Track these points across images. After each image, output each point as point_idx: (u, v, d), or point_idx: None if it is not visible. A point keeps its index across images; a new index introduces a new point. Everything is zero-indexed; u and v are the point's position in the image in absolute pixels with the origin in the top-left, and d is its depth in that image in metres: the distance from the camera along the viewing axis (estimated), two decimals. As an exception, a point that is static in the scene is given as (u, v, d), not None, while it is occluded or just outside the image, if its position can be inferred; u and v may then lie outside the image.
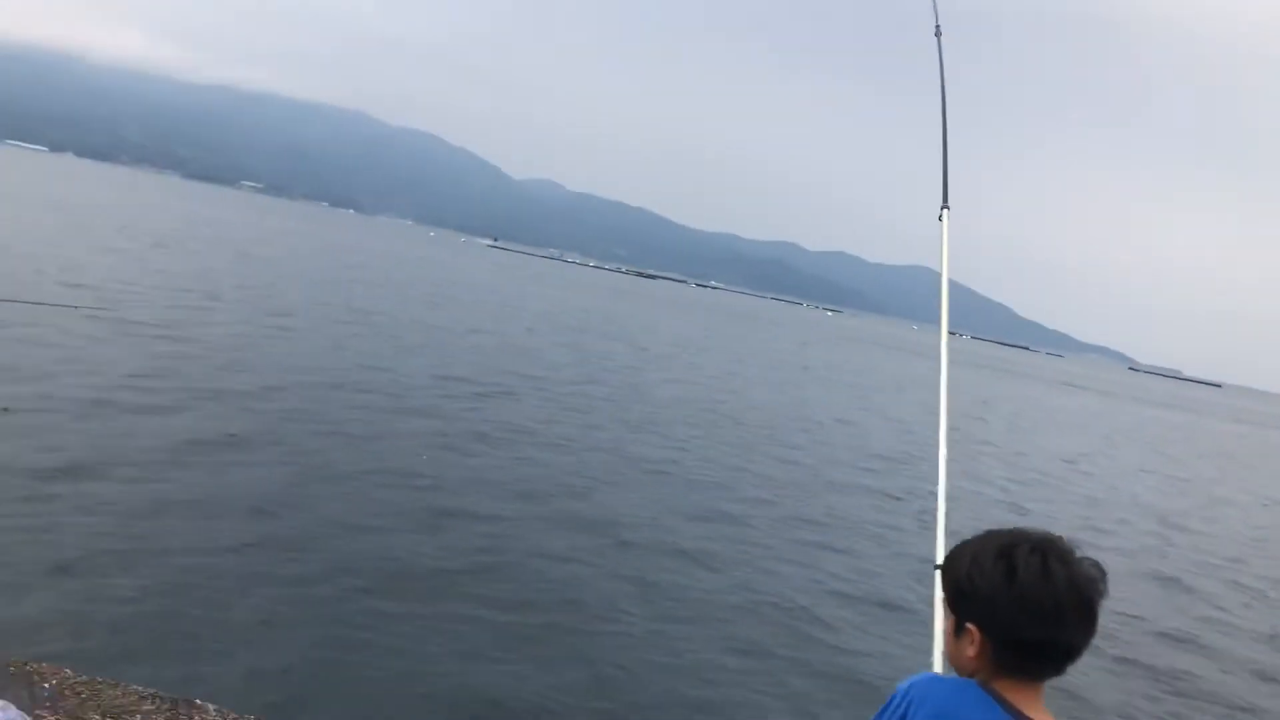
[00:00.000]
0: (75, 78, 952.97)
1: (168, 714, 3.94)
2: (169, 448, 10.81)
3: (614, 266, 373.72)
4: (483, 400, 18.56)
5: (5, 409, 6.37)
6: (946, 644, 1.96)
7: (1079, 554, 1.86)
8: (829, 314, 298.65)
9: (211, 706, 4.08)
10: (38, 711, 3.71)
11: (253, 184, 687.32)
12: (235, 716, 4.03)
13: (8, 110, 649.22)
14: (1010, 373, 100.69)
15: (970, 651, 1.89)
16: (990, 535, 1.93)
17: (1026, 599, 1.80)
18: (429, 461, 12.78)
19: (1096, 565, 1.87)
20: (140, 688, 4.13)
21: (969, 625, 1.89)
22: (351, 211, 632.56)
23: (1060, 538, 1.88)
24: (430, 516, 10.21)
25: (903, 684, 1.93)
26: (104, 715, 3.84)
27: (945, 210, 3.93)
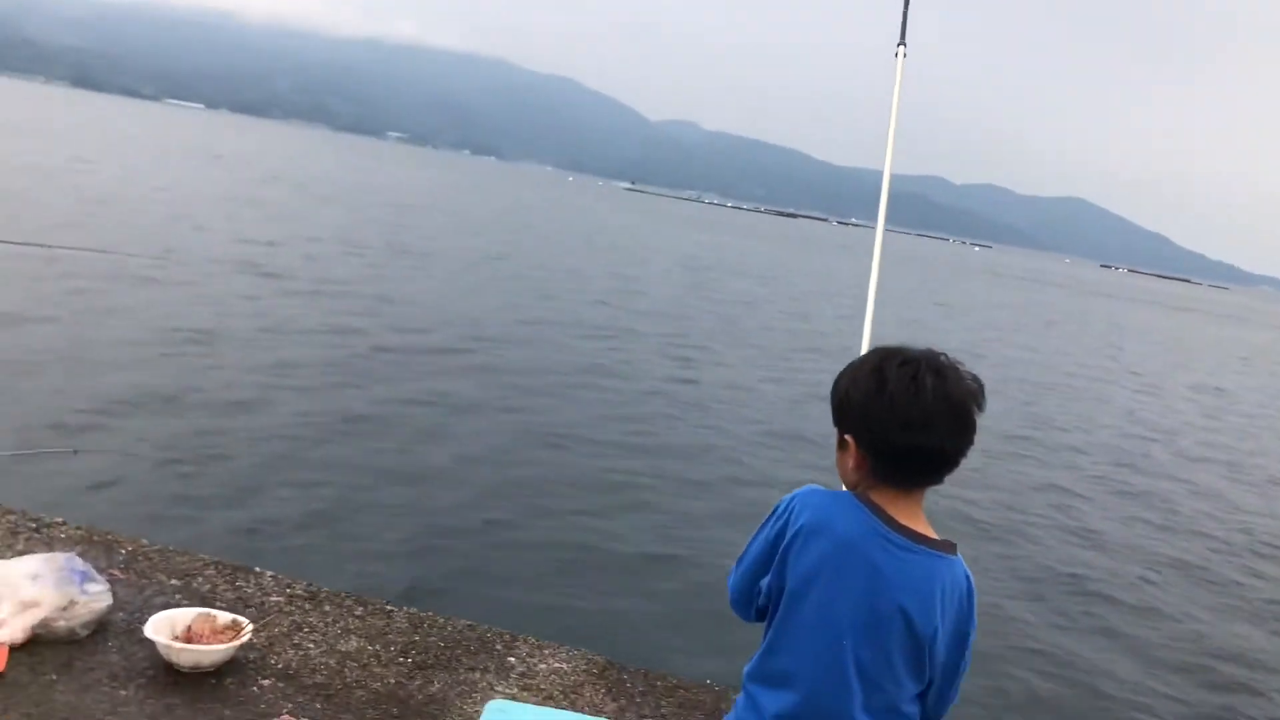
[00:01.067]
0: (229, 36, 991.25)
1: (227, 577, 4.25)
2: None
3: (752, 206, 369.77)
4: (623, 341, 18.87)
5: (75, 451, 6.85)
6: (837, 460, 1.99)
7: (960, 369, 1.87)
8: (976, 249, 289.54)
9: (268, 573, 4.37)
10: (112, 571, 4.05)
11: (398, 134, 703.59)
12: (289, 581, 4.31)
13: (166, 70, 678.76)
14: (1169, 306, 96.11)
15: (850, 463, 1.96)
16: (872, 352, 1.95)
17: (895, 407, 1.85)
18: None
19: (974, 379, 1.92)
20: (206, 555, 4.45)
21: (847, 437, 1.93)
22: (492, 159, 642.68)
23: (941, 354, 1.91)
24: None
25: (786, 496, 1.99)
26: (170, 576, 4.17)
27: (901, 48, 3.86)
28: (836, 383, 1.97)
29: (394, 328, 16.19)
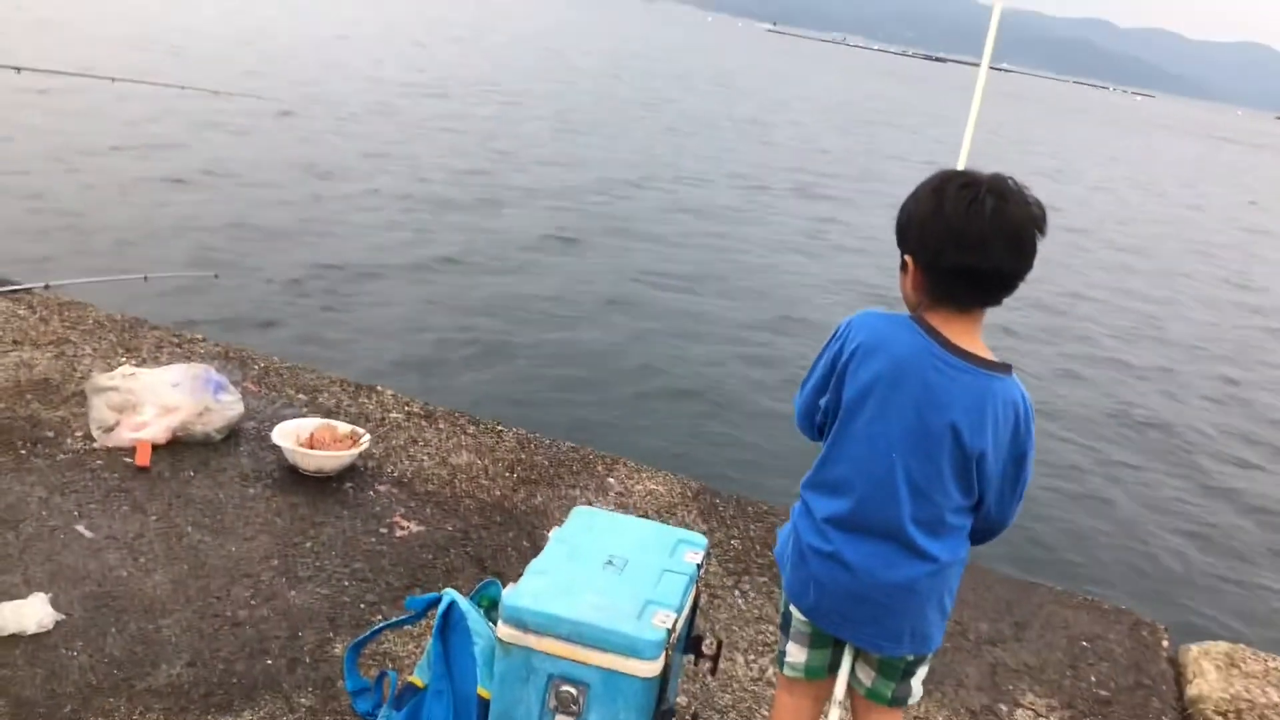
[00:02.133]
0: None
1: (351, 394, 4.52)
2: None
3: (899, 49, 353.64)
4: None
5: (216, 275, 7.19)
6: (899, 283, 2.02)
7: (1026, 193, 1.85)
8: (1138, 99, 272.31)
9: (389, 391, 4.64)
10: (245, 384, 4.36)
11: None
12: (407, 400, 4.57)
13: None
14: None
15: (909, 284, 1.99)
16: (937, 173, 1.94)
17: (951, 227, 1.85)
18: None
19: (1038, 204, 1.91)
20: (332, 373, 4.74)
21: (906, 257, 1.94)
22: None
23: (1008, 179, 1.88)
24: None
25: (847, 318, 2.04)
26: (298, 390, 4.46)
27: None
28: (902, 204, 1.98)
29: (532, 172, 16.37)
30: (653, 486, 4.18)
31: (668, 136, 24.26)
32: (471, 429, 4.41)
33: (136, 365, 4.25)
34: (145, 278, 5.54)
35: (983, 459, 1.91)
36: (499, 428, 4.48)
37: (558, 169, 17.09)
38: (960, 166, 3.35)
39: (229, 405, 3.92)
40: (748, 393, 8.33)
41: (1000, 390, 1.91)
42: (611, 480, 4.17)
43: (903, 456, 1.92)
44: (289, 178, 12.86)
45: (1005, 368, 1.93)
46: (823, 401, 2.06)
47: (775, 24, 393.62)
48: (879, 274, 13.06)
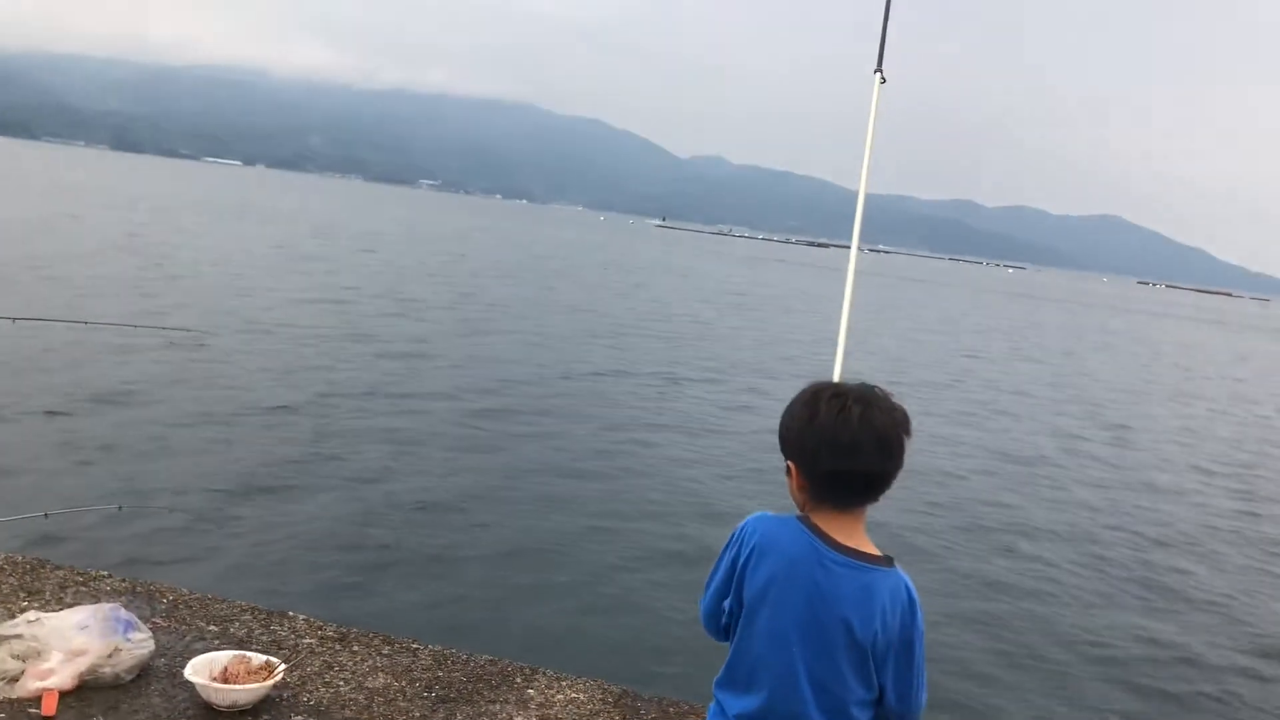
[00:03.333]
0: (261, 93, 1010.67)
1: (262, 622, 4.48)
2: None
3: (783, 238, 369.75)
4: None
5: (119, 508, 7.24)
6: (788, 486, 2.21)
7: (890, 399, 2.08)
8: (1010, 271, 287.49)
9: (301, 616, 4.61)
10: (154, 620, 4.30)
11: (430, 182, 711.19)
12: (320, 623, 4.54)
13: (202, 129, 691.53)
14: (1210, 321, 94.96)
15: (794, 487, 2.17)
16: (809, 386, 2.18)
17: (824, 434, 2.05)
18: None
19: (901, 410, 2.14)
20: (243, 602, 4.70)
21: (789, 463, 2.14)
22: (524, 201, 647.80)
23: (873, 387, 2.12)
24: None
25: (741, 523, 2.23)
26: (209, 621, 4.41)
27: (879, 74, 4.08)
28: (782, 415, 2.20)
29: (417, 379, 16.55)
30: (574, 695, 4.19)
31: (568, 333, 24.84)
32: (386, 649, 4.39)
33: (40, 608, 4.18)
34: (45, 514, 5.48)
35: (874, 649, 2.06)
36: (414, 645, 4.47)
37: (454, 370, 17.35)
38: (838, 359, 3.62)
39: (139, 644, 3.87)
40: (665, 588, 8.38)
41: (885, 582, 2.09)
42: (531, 692, 4.17)
43: (802, 652, 2.07)
44: (185, 400, 12.83)
45: (888, 560, 2.12)
46: (726, 603, 2.21)
47: (664, 219, 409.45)
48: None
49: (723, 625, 2.25)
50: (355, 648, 4.36)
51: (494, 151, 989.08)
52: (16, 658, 3.68)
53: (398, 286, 30.74)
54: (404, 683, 4.10)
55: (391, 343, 19.58)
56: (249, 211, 71.13)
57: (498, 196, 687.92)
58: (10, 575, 4.63)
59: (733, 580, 2.19)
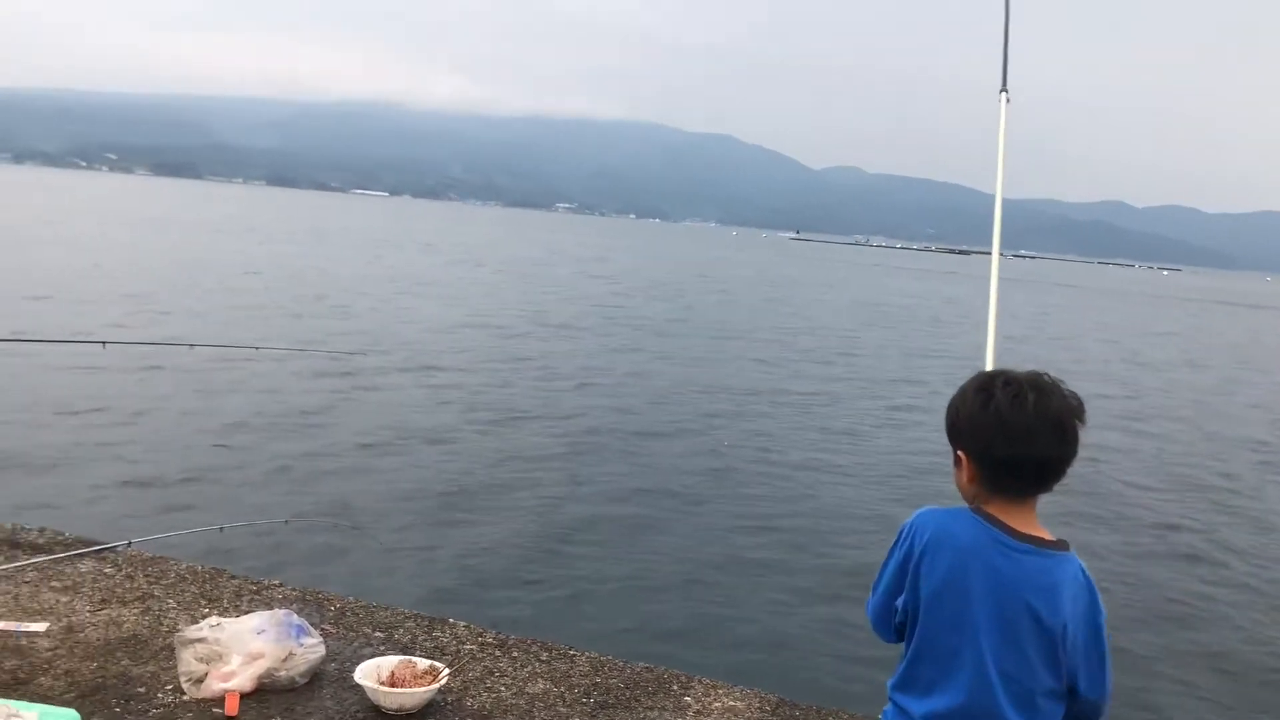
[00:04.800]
0: (403, 126, 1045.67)
1: (425, 628, 4.61)
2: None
3: (922, 246, 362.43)
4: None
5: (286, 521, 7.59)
6: (954, 478, 2.16)
7: (1061, 386, 2.03)
8: (1164, 273, 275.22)
9: (461, 623, 4.73)
10: (324, 626, 4.47)
11: (566, 205, 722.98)
12: (480, 630, 4.64)
13: (350, 162, 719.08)
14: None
15: (964, 477, 2.11)
16: (979, 373, 2.13)
17: (999, 420, 2.00)
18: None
19: (1074, 395, 2.11)
20: (405, 609, 4.84)
21: (959, 452, 2.09)
22: (657, 220, 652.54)
23: (1044, 374, 2.06)
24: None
25: (907, 520, 2.17)
26: (375, 628, 4.56)
27: (1004, 94, 3.97)
28: (949, 404, 2.16)
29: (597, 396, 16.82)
30: (731, 703, 4.18)
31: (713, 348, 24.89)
32: (545, 656, 4.46)
33: (219, 615, 4.39)
34: (221, 528, 5.76)
35: (1062, 636, 2.00)
36: (571, 652, 4.52)
37: (610, 389, 17.57)
38: (989, 354, 3.53)
39: (311, 649, 4.03)
40: (817, 597, 8.31)
41: (1066, 567, 2.03)
42: (688, 699, 4.17)
43: (990, 644, 2.02)
44: (350, 419, 13.41)
45: (1064, 545, 2.06)
46: (899, 602, 2.17)
47: (798, 232, 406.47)
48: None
49: (895, 625, 2.22)
50: (515, 654, 4.44)
51: (625, 173, 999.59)
52: (200, 660, 3.87)
53: (548, 308, 31.39)
54: (563, 688, 4.15)
55: (549, 363, 19.96)
56: (401, 239, 73.81)
57: (631, 216, 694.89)
58: (192, 583, 4.88)
59: (904, 578, 2.15)
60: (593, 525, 9.84)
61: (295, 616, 4.13)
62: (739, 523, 10.30)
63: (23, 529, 5.42)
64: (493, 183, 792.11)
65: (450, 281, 39.61)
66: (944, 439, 2.16)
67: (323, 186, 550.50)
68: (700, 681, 4.35)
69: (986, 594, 2.04)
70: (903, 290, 66.77)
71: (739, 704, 4.18)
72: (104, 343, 6.52)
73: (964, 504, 2.16)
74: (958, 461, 2.14)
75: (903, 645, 2.20)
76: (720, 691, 4.28)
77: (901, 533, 2.19)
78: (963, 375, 2.24)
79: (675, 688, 4.27)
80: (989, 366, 3.21)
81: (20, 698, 3.47)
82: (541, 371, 19.14)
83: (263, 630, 3.99)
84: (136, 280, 28.48)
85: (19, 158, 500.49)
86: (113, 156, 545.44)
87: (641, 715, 4.00)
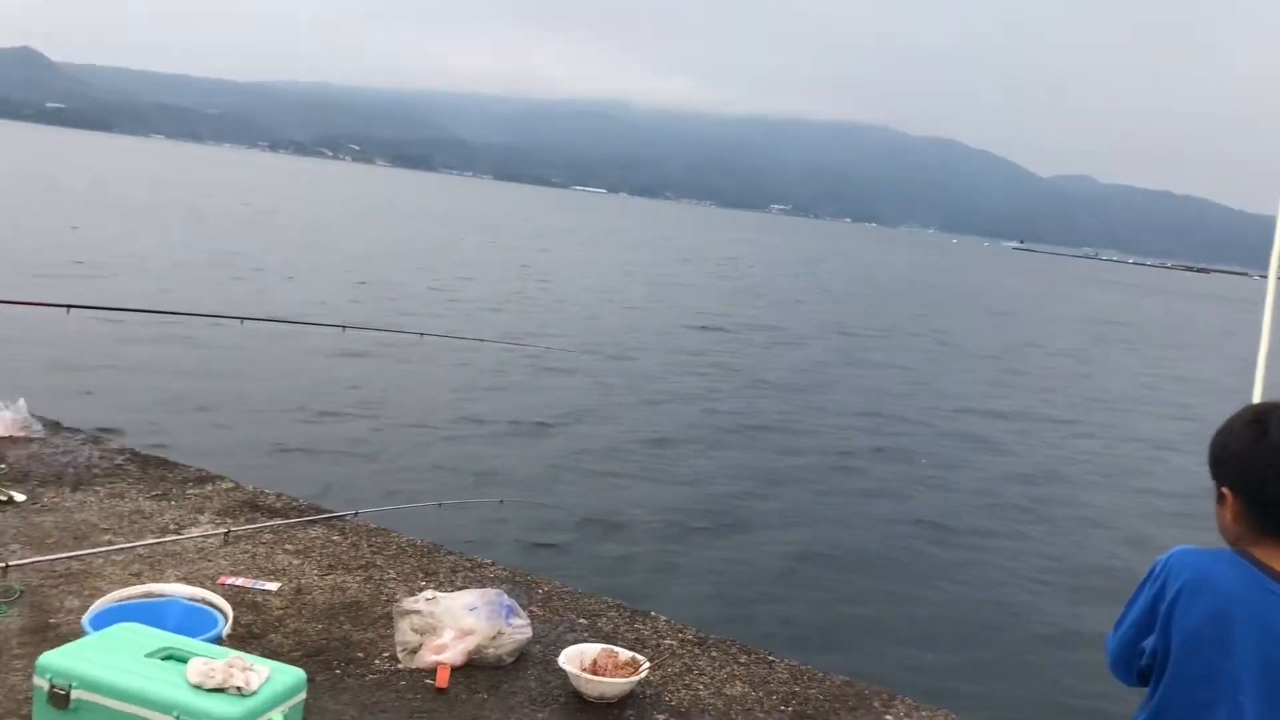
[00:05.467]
0: (624, 125, 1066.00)
1: (627, 619, 4.66)
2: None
3: (1156, 262, 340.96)
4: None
5: (500, 501, 7.89)
6: (1215, 517, 1.99)
7: None
8: None
9: (662, 617, 4.75)
10: (531, 608, 4.59)
11: (780, 206, 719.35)
12: (680, 626, 4.65)
13: (572, 159, 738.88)
14: None
15: (1229, 517, 1.95)
16: (1249, 406, 1.95)
17: (1274, 457, 1.81)
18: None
19: None
20: (609, 599, 4.91)
21: (1224, 490, 1.92)
22: (873, 225, 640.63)
23: None
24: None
25: (1161, 557, 2.00)
26: (579, 615, 4.65)
27: None
28: (1214, 437, 1.99)
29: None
30: (934, 727, 4.03)
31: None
32: (743, 659, 4.42)
33: (435, 589, 4.58)
34: (439, 504, 6.02)
35: None
36: (770, 658, 4.47)
37: (827, 403, 17.40)
38: (1257, 385, 3.25)
39: (519, 629, 4.14)
40: (1045, 621, 7.96)
41: None
42: (889, 718, 4.05)
43: (1252, 701, 1.85)
44: (565, 408, 13.84)
45: None
46: (1145, 644, 2.00)
47: (1022, 242, 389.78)
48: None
49: (1139, 669, 2.05)
50: (714, 653, 4.43)
51: (843, 175, 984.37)
52: (416, 631, 4.04)
53: (763, 312, 31.34)
54: (760, 694, 4.11)
55: (765, 371, 19.89)
56: (617, 237, 75.47)
57: (847, 220, 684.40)
58: (411, 556, 5.11)
59: (1154, 620, 1.98)
60: (798, 536, 9.74)
61: (506, 597, 4.25)
62: (955, 540, 9.98)
63: (262, 493, 5.82)
64: (709, 182, 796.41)
65: (667, 282, 40.07)
66: (1200, 474, 1.99)
67: (544, 182, 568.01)
68: (903, 701, 4.21)
69: (1251, 648, 1.85)
70: (1136, 308, 63.07)
71: (943, 728, 4.03)
72: (344, 326, 6.96)
73: (1225, 545, 1.99)
74: (1221, 499, 1.98)
75: (1146, 692, 2.03)
76: (923, 713, 4.13)
77: (1153, 570, 2.02)
78: (1213, 404, 2.07)
79: (876, 704, 4.15)
80: (1257, 398, 2.96)
81: (252, 650, 3.71)
82: (755, 377, 19.09)
83: (475, 608, 4.12)
84: (376, 268, 30.26)
85: (274, 146, 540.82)
86: (356, 148, 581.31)
87: (841, 729, 3.91)
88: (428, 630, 4.05)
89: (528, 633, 4.16)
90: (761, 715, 3.93)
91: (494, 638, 4.05)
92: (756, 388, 17.87)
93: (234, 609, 3.90)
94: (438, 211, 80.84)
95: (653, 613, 4.80)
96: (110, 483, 5.68)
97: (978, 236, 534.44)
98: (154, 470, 6.02)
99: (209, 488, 5.79)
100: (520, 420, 13.14)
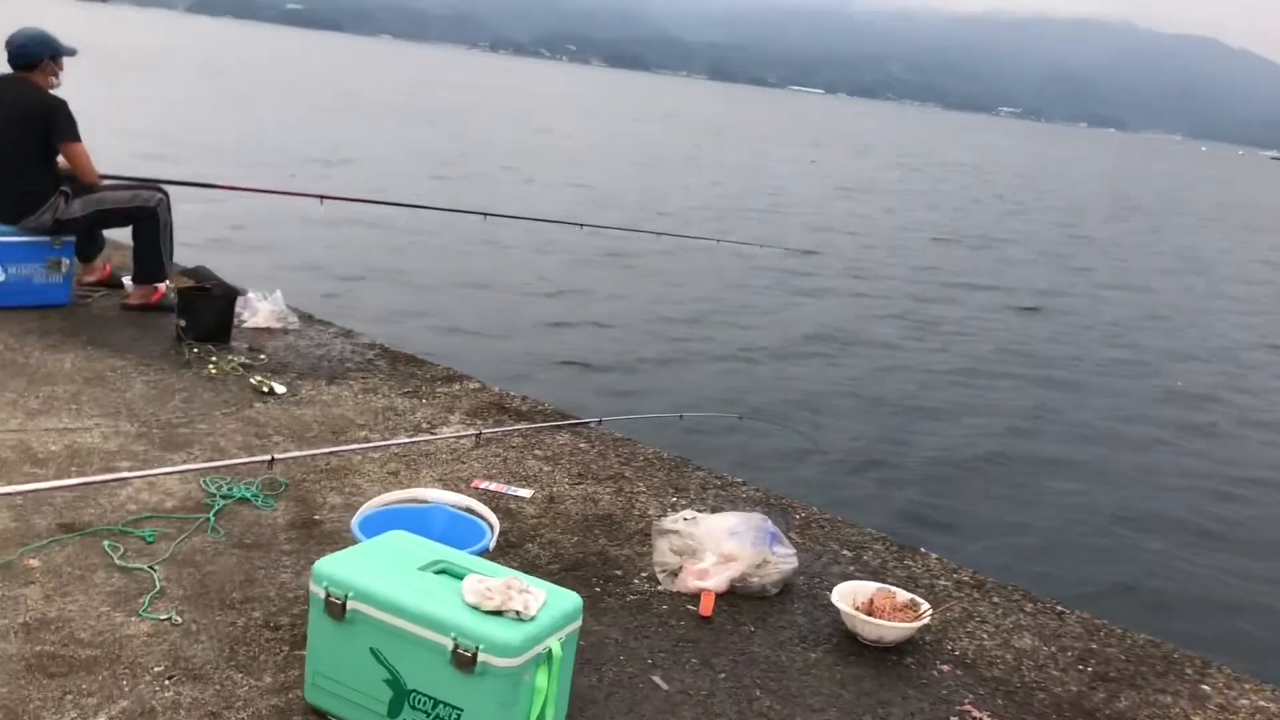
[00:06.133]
0: (844, 23, 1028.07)
1: (895, 555, 4.29)
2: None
3: None
4: None
5: (740, 416, 7.44)
6: None
7: None
8: None
9: (934, 555, 4.35)
10: (790, 535, 4.29)
11: (1010, 109, 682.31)
12: (955, 567, 4.25)
13: (789, 58, 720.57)
14: None
15: None
16: None
17: None
18: None
19: None
20: (872, 530, 4.55)
21: None
22: (1113, 130, 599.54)
23: None
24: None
25: None
26: (842, 546, 4.32)
27: None
28: None
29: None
30: (1262, 703, 3.50)
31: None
32: (1029, 607, 3.99)
33: (687, 506, 4.35)
34: (680, 416, 5.78)
35: None
36: (1060, 609, 4.02)
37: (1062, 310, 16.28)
38: None
39: (784, 559, 3.84)
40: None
41: None
42: (1207, 688, 3.55)
43: None
44: (804, 321, 13.38)
45: None
46: None
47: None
48: None
49: None
50: (994, 599, 4.02)
51: (1082, 76, 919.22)
52: (676, 552, 3.81)
53: (998, 224, 29.67)
54: (1053, 649, 3.68)
55: (1011, 291, 18.63)
56: (847, 141, 73.28)
57: (1082, 124, 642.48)
58: (659, 469, 4.89)
59: None
60: (1069, 466, 9.02)
61: (769, 522, 3.95)
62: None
63: (509, 395, 5.73)
64: (933, 83, 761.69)
65: (891, 188, 38.59)
66: None
67: (760, 82, 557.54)
68: (1221, 670, 3.69)
69: None
70: None
71: (1272, 706, 3.50)
72: (581, 224, 6.76)
73: None
74: None
75: None
76: (1247, 686, 3.61)
77: None
78: None
79: (1189, 672, 3.65)
80: None
81: (510, 561, 3.57)
82: (998, 299, 17.97)
83: (737, 532, 3.84)
84: (610, 169, 30.32)
85: (494, 46, 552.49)
86: (572, 48, 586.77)
87: (1151, 697, 3.44)
88: (687, 552, 3.81)
89: (794, 563, 3.86)
90: (1057, 673, 3.51)
91: (759, 566, 3.77)
92: (1031, 316, 16.62)
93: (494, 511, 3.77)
94: (680, 114, 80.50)
95: (923, 549, 4.41)
96: (364, 377, 5.71)
97: (1231, 144, 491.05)
98: (403, 367, 6.03)
99: (456, 387, 5.75)
100: (759, 327, 12.78)
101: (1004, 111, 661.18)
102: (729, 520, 3.93)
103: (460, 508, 3.57)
